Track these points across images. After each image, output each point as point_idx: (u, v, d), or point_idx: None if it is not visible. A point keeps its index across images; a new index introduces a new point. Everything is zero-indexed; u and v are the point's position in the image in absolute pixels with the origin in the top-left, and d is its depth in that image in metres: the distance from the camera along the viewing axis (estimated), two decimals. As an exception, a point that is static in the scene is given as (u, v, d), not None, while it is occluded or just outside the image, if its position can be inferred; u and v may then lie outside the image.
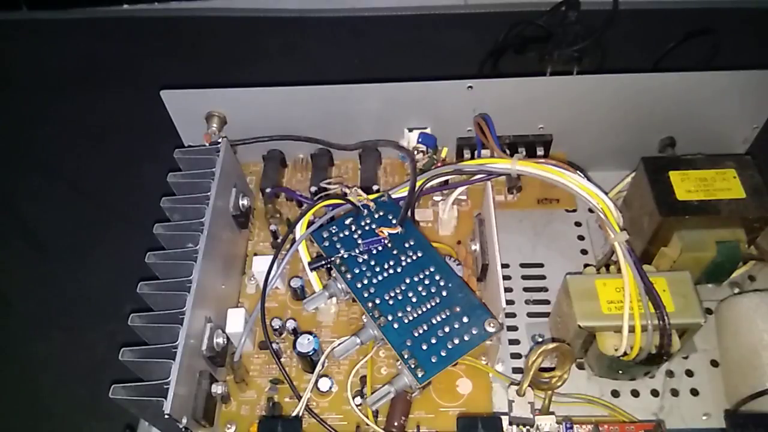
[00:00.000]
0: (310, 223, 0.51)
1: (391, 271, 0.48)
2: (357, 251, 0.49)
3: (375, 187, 0.57)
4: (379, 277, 0.48)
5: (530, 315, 0.53)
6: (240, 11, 1.00)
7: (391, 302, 0.47)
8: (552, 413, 0.45)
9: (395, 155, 0.62)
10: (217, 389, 0.46)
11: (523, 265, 0.56)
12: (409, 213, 0.51)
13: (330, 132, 0.59)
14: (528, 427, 0.44)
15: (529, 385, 0.45)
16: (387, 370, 0.50)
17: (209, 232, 0.48)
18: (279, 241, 0.56)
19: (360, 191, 0.52)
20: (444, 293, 0.47)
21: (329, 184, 0.57)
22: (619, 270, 0.46)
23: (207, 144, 0.54)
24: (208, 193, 0.50)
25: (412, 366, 0.44)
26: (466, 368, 0.49)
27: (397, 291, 0.47)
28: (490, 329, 0.45)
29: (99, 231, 0.76)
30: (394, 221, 0.51)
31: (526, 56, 0.81)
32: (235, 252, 0.56)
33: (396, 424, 0.45)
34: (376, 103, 0.57)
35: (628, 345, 0.44)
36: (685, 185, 0.49)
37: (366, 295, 0.47)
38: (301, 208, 0.59)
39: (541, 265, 0.56)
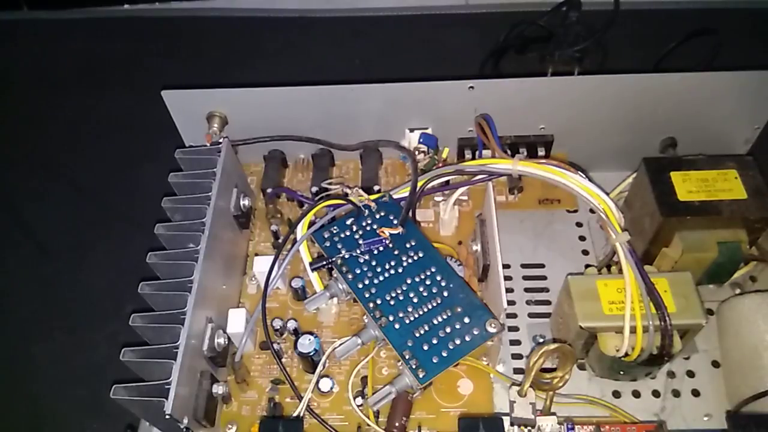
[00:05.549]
0: (311, 224, 0.51)
1: (392, 272, 0.48)
2: (358, 251, 0.49)
3: (376, 188, 0.57)
4: (381, 278, 0.48)
5: (531, 315, 0.53)
6: (240, 11, 1.00)
7: (392, 302, 0.47)
8: (553, 414, 0.45)
9: (396, 155, 0.62)
10: (218, 389, 0.46)
11: (524, 266, 0.56)
12: (410, 213, 0.51)
13: (331, 132, 0.59)
14: (529, 428, 0.44)
15: (530, 386, 0.45)
16: (388, 371, 0.50)
17: (210, 232, 0.48)
18: (280, 241, 0.56)
19: (361, 191, 0.52)
20: (445, 294, 0.47)
21: (330, 184, 0.57)
22: (620, 270, 0.46)
23: (208, 144, 0.54)
24: (209, 194, 0.50)
25: (414, 366, 0.44)
26: (467, 369, 0.49)
27: (399, 291, 0.47)
28: (492, 330, 0.45)
29: (100, 231, 0.76)
30: (395, 221, 0.51)
31: (527, 56, 0.81)
32: (236, 252, 0.56)
33: (397, 424, 0.45)
34: (377, 103, 0.57)
35: (630, 346, 0.44)
36: (687, 186, 0.49)
37: (367, 295, 0.47)
38: (302, 208, 0.59)
39: (542, 266, 0.56)
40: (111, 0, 1.01)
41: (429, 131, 0.58)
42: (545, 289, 0.55)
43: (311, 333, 0.48)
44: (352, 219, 0.51)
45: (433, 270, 0.48)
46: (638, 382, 0.49)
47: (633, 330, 0.44)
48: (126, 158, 0.82)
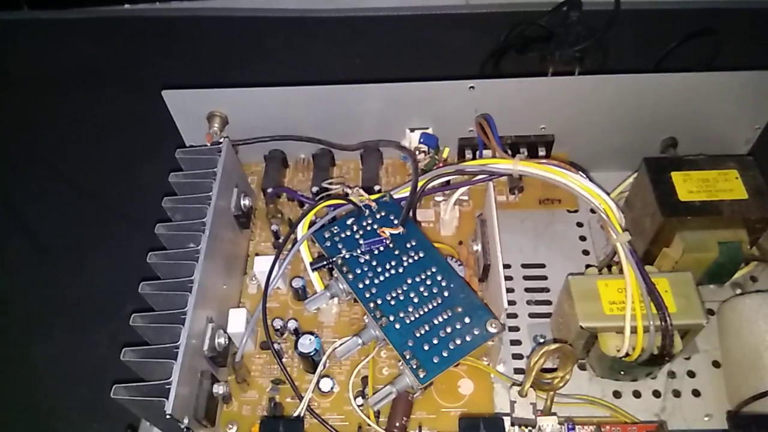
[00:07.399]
0: (311, 224, 0.51)
1: (392, 272, 0.48)
2: (359, 251, 0.49)
3: (376, 188, 0.57)
4: (381, 278, 0.48)
5: (532, 315, 0.53)
6: (240, 11, 1.00)
7: (392, 302, 0.47)
8: (554, 414, 0.45)
9: (397, 155, 0.62)
10: (219, 389, 0.46)
11: (524, 266, 0.56)
12: (410, 213, 0.51)
13: (331, 132, 0.59)
14: (530, 428, 0.44)
15: (531, 386, 0.45)
16: (388, 371, 0.50)
17: (211, 232, 0.48)
18: (280, 241, 0.56)
19: (361, 191, 0.52)
20: (446, 294, 0.47)
21: (331, 184, 0.57)
22: (620, 271, 0.45)
23: (209, 144, 0.54)
24: (210, 193, 0.50)
25: (414, 366, 0.44)
26: (467, 369, 0.49)
27: (399, 291, 0.47)
28: (492, 330, 0.45)
29: (100, 231, 0.76)
30: (395, 221, 0.51)
31: (528, 56, 0.81)
32: (237, 252, 0.56)
33: (397, 424, 0.45)
34: (377, 103, 0.57)
35: (630, 346, 0.44)
36: (687, 186, 0.49)
37: (367, 295, 0.47)
38: (303, 208, 0.59)
39: (542, 266, 0.56)
40: (111, 0, 1.01)
41: (429, 131, 0.58)
42: (546, 289, 0.55)
43: (312, 333, 0.48)
44: (353, 219, 0.51)
45: (433, 270, 0.48)
46: (639, 382, 0.49)
47: (634, 330, 0.44)
48: (126, 158, 0.81)
